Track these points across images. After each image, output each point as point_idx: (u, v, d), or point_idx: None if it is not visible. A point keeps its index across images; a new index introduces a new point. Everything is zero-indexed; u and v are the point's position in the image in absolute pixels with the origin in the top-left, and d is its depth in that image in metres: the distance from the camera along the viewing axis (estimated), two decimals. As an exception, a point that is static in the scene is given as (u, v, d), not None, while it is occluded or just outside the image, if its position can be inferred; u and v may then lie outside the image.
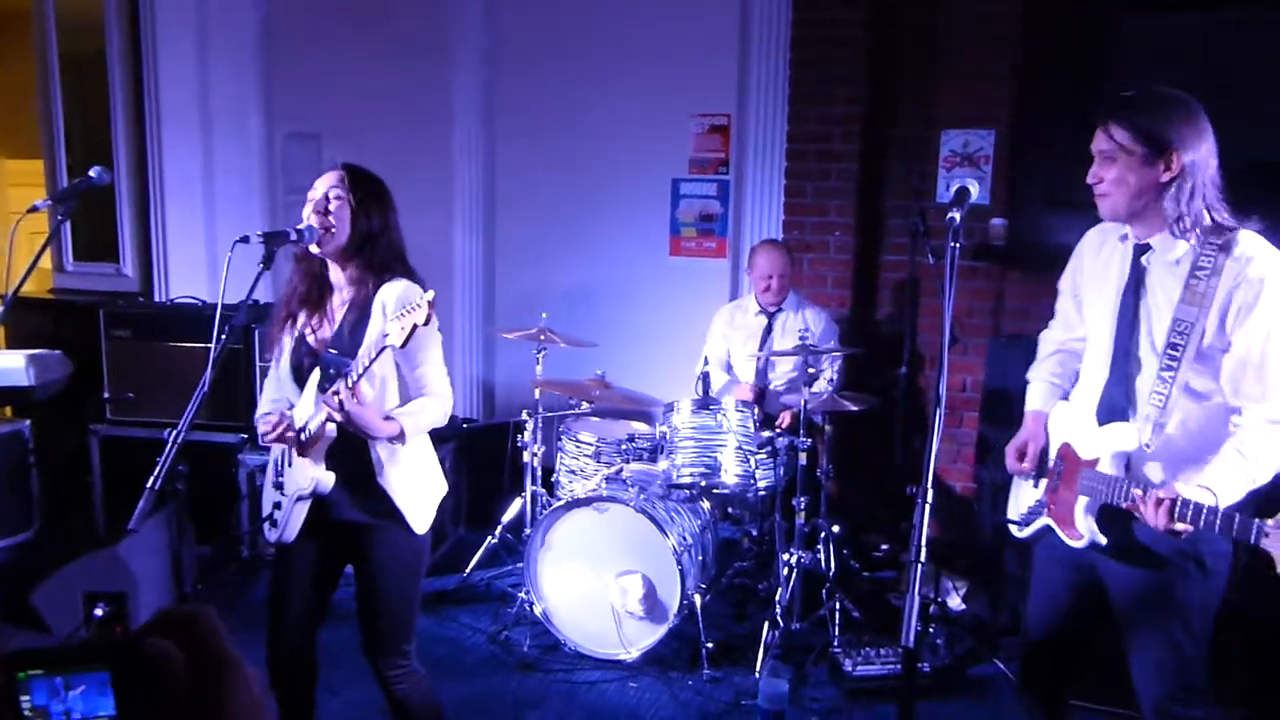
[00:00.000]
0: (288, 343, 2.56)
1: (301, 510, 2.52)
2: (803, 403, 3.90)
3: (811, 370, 3.96)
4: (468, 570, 4.41)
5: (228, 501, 4.48)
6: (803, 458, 3.93)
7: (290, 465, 2.53)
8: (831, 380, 4.39)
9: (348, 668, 3.44)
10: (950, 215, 1.92)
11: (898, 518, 4.45)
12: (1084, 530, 2.26)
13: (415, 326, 2.21)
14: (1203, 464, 2.11)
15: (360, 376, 2.31)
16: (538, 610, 3.82)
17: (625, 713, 3.45)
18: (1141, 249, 2.23)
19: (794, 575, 3.92)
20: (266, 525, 2.59)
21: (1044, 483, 2.44)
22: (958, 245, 1.92)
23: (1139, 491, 2.06)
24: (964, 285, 4.72)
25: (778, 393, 4.49)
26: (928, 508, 1.75)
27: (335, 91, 5.55)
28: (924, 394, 4.86)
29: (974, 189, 2.05)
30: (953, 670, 3.75)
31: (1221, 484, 2.03)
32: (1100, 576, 2.35)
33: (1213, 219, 2.12)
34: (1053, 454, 2.41)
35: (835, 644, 3.75)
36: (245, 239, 2.27)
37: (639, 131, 5.23)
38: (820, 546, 4.15)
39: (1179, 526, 1.98)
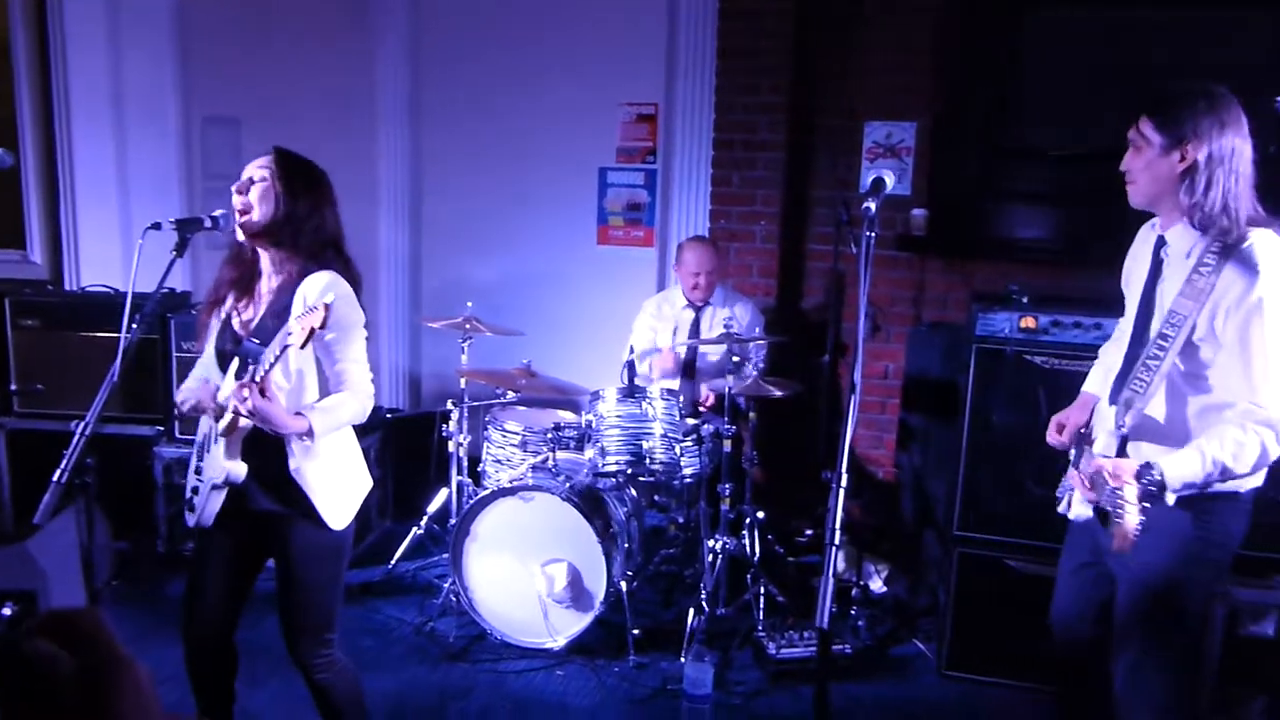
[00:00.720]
0: (215, 326, 2.51)
1: (218, 498, 2.48)
2: (728, 389, 3.94)
3: (737, 359, 4.00)
4: (393, 562, 4.37)
5: (144, 495, 4.37)
6: (728, 445, 3.97)
7: (208, 452, 2.48)
8: (757, 367, 4.44)
9: (273, 661, 3.40)
10: (866, 205, 1.95)
11: (822, 503, 4.52)
12: (1075, 504, 2.44)
13: (313, 330, 2.16)
14: (1169, 451, 2.18)
15: (266, 373, 2.27)
16: (464, 600, 3.81)
17: (552, 701, 3.46)
18: (1161, 241, 2.32)
19: (719, 561, 3.96)
20: (186, 509, 2.55)
21: (1075, 459, 2.52)
22: (873, 234, 1.95)
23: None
24: (886, 275, 4.81)
25: (704, 371, 4.54)
26: (843, 492, 1.77)
27: (255, 75, 5.42)
28: (844, 380, 4.94)
29: (890, 179, 2.08)
30: (874, 651, 3.83)
31: (1175, 459, 2.10)
32: (1104, 547, 2.40)
33: (1232, 214, 2.15)
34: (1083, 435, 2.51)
35: (759, 628, 3.80)
36: (157, 225, 2.22)
37: (566, 120, 5.21)
38: (745, 532, 4.20)
39: (1091, 496, 2.10)
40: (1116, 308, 3.50)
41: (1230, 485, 2.19)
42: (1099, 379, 2.65)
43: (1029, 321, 3.43)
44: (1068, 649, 2.65)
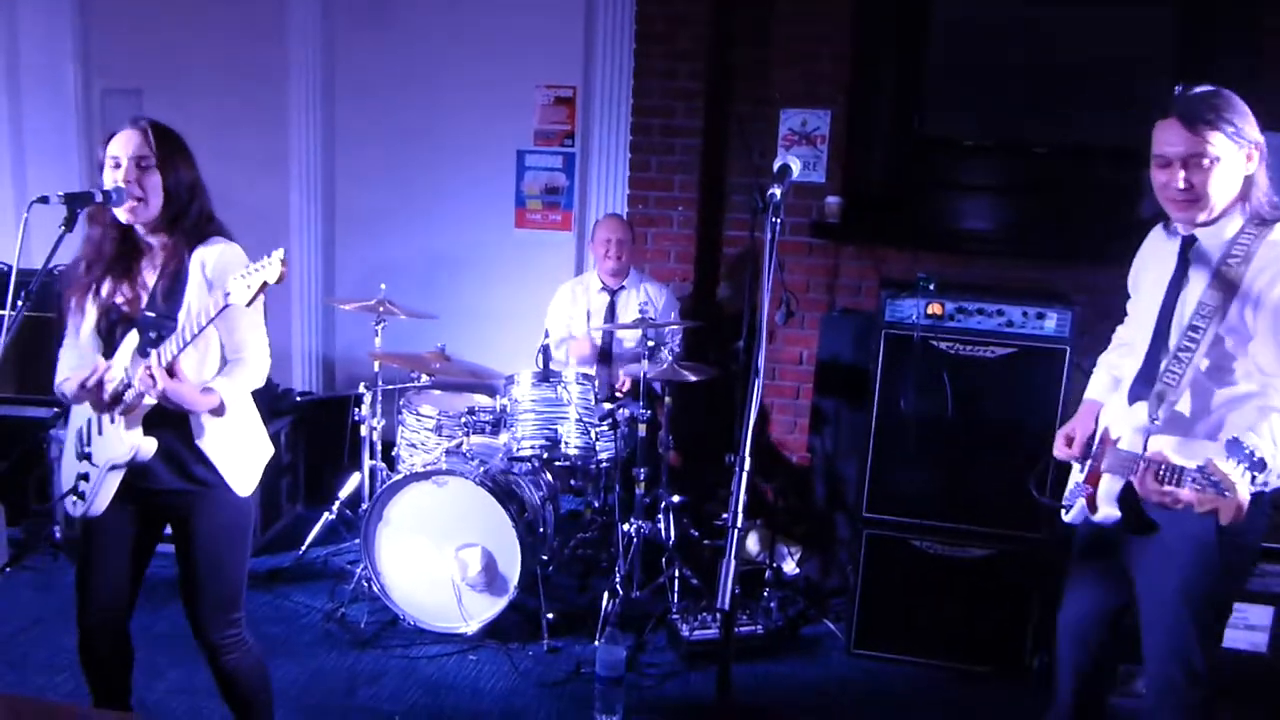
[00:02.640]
0: (91, 310, 2.41)
1: (114, 480, 2.40)
2: (643, 374, 3.96)
3: (652, 343, 4.01)
4: (303, 548, 4.29)
5: (38, 479, 4.21)
6: (643, 429, 3.98)
7: (100, 433, 2.40)
8: (673, 352, 4.46)
9: (175, 651, 3.33)
10: (771, 191, 1.96)
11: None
12: (1102, 507, 2.39)
13: (265, 284, 2.12)
14: (1201, 441, 2.21)
15: (185, 347, 2.21)
16: (375, 586, 3.76)
17: (464, 685, 3.44)
18: (1189, 240, 2.30)
19: (634, 545, 3.98)
20: (70, 500, 2.45)
21: (1087, 465, 2.51)
22: (779, 220, 1.96)
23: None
24: (800, 261, 4.87)
25: (620, 357, 4.55)
26: (746, 475, 1.78)
27: (158, 45, 5.25)
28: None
29: (796, 166, 2.10)
30: (785, 631, 3.89)
31: (1218, 451, 2.07)
32: (1124, 553, 2.45)
33: (1271, 204, 2.20)
34: (1097, 439, 2.49)
35: (674, 611, 3.83)
36: (44, 199, 2.13)
37: (484, 101, 5.15)
38: (661, 516, 4.23)
39: (1168, 489, 2.05)
40: (1021, 295, 3.62)
41: (1262, 481, 2.14)
42: (1103, 386, 2.64)
43: (935, 308, 3.51)
44: (1074, 653, 2.65)
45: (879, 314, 3.59)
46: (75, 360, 2.48)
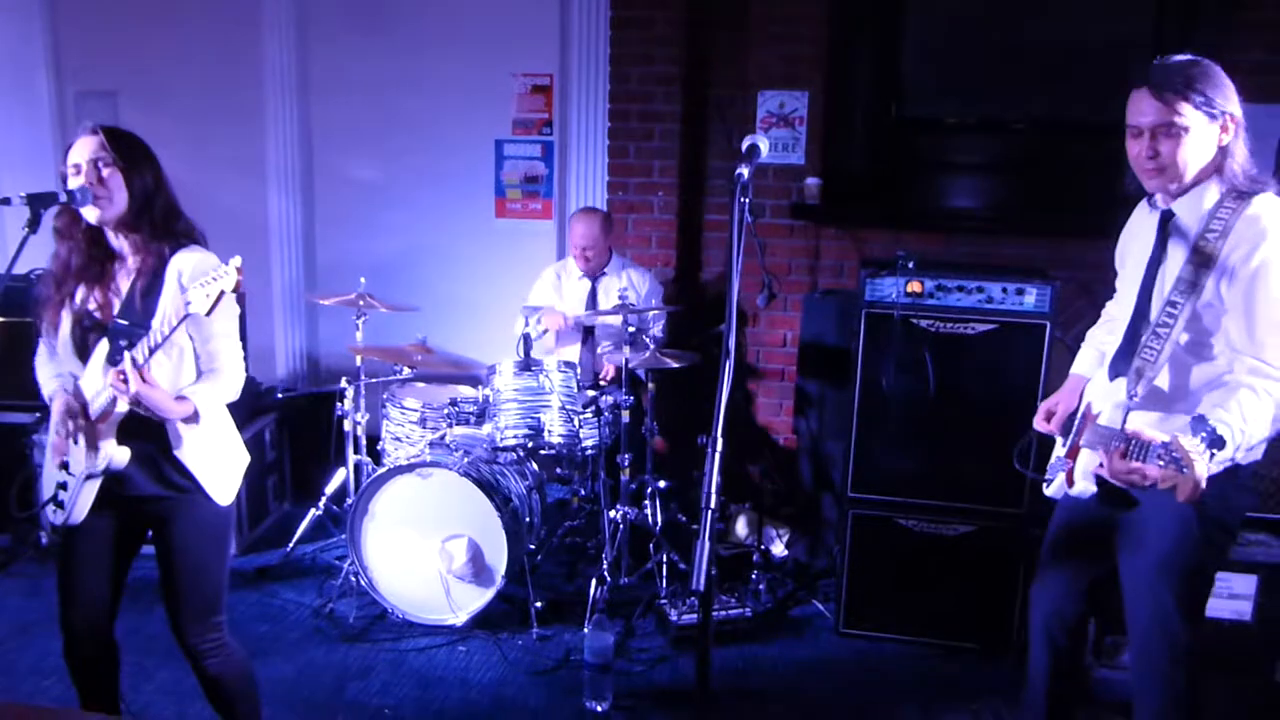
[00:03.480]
0: (66, 317, 2.39)
1: (91, 489, 2.39)
2: (624, 360, 3.95)
3: (633, 329, 4.01)
4: (291, 545, 4.29)
5: (22, 484, 4.18)
6: (627, 416, 3.98)
7: (76, 443, 2.39)
8: (656, 338, 4.46)
9: (162, 652, 3.32)
10: (738, 171, 1.94)
11: (723, 470, 4.57)
12: (1079, 481, 2.40)
13: (222, 293, 2.12)
14: (1178, 416, 2.20)
15: (152, 354, 2.21)
16: (363, 581, 3.75)
17: (454, 676, 3.44)
18: (1168, 215, 2.29)
19: (621, 531, 3.98)
20: (50, 509, 2.44)
21: (1069, 440, 2.51)
22: (747, 200, 1.94)
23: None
24: (782, 243, 4.87)
25: (603, 340, 4.55)
26: (719, 456, 1.78)
27: (132, 46, 5.22)
28: (744, 350, 5.00)
29: (764, 145, 2.08)
30: (774, 613, 3.91)
31: (1184, 427, 2.07)
32: (1105, 526, 2.45)
33: (1251, 178, 2.19)
34: (1080, 414, 2.49)
35: (662, 596, 3.84)
36: (6, 201, 2.10)
37: (461, 92, 5.13)
38: (647, 502, 4.23)
39: (1134, 465, 2.05)
40: (1000, 272, 3.62)
41: (1227, 458, 2.15)
42: (1089, 361, 2.65)
43: (915, 286, 3.51)
44: (1048, 625, 2.66)
45: (859, 294, 3.58)
46: (54, 369, 2.49)
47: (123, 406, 2.29)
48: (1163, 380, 2.28)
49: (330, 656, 3.54)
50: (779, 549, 4.38)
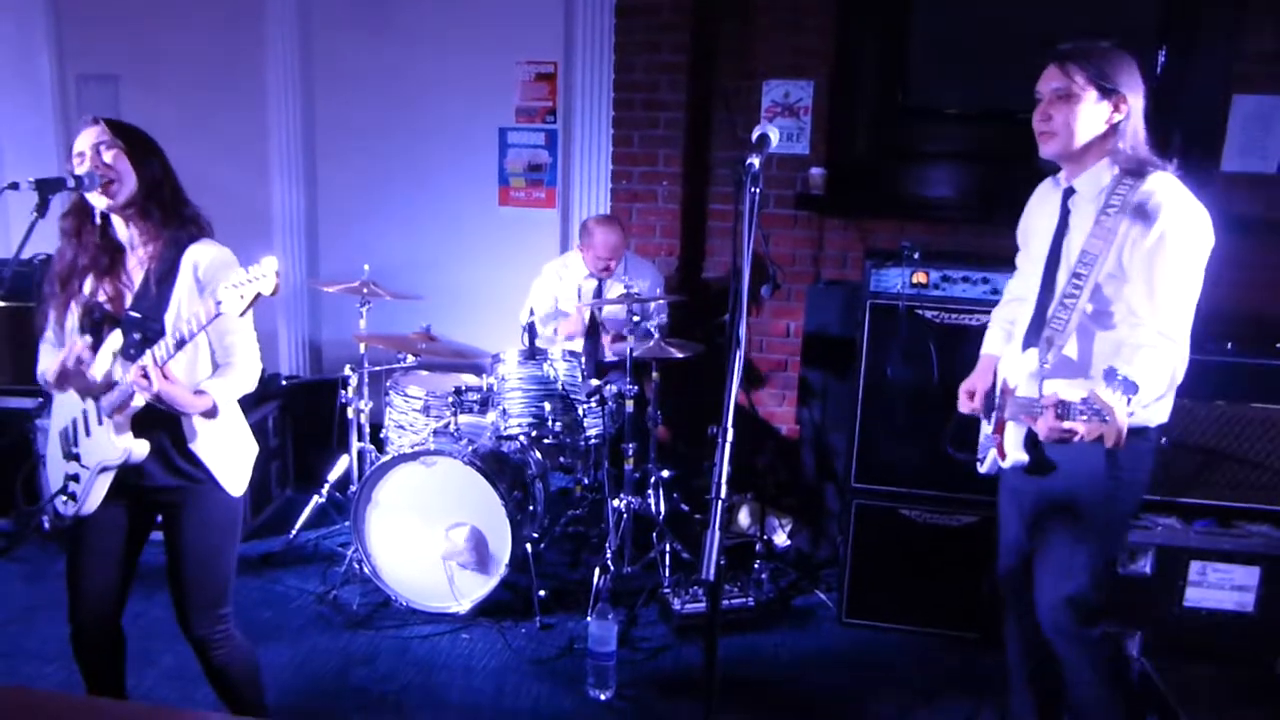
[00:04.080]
0: (74, 310, 2.38)
1: (105, 481, 2.39)
2: (629, 350, 3.95)
3: (637, 318, 4.01)
4: (294, 531, 4.29)
5: (25, 470, 4.19)
6: (630, 405, 3.98)
7: (89, 435, 2.39)
8: (659, 327, 4.46)
9: (167, 636, 3.32)
10: (749, 161, 1.94)
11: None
12: (1011, 453, 2.48)
13: (259, 295, 2.11)
14: (1088, 380, 2.31)
15: (174, 352, 2.20)
16: (367, 568, 3.76)
17: (457, 663, 3.45)
18: (1068, 192, 2.41)
19: (624, 520, 3.99)
20: (60, 500, 2.43)
21: (993, 417, 2.60)
22: (757, 191, 1.95)
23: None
24: (786, 234, 4.86)
25: (608, 330, 4.55)
26: (729, 447, 1.78)
27: (135, 30, 5.20)
28: (748, 340, 5.00)
29: (775, 135, 2.08)
30: (776, 603, 3.92)
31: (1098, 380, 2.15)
32: (1030, 494, 2.56)
33: (1143, 158, 2.30)
34: (998, 390, 2.57)
35: (665, 585, 3.85)
36: (14, 185, 2.10)
37: (465, 79, 5.11)
38: (651, 491, 4.24)
39: (1065, 425, 2.11)
40: (1006, 263, 3.61)
41: (1139, 420, 2.29)
42: (998, 339, 2.75)
43: (920, 277, 3.51)
44: (1017, 605, 2.72)
45: (864, 284, 3.58)
46: (56, 358, 2.47)
47: (140, 401, 2.29)
48: (1071, 348, 2.40)
49: (334, 643, 3.56)
50: (781, 539, 4.38)
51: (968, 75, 4.76)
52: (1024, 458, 2.47)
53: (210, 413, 2.36)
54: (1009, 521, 2.71)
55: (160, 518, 2.51)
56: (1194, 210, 2.27)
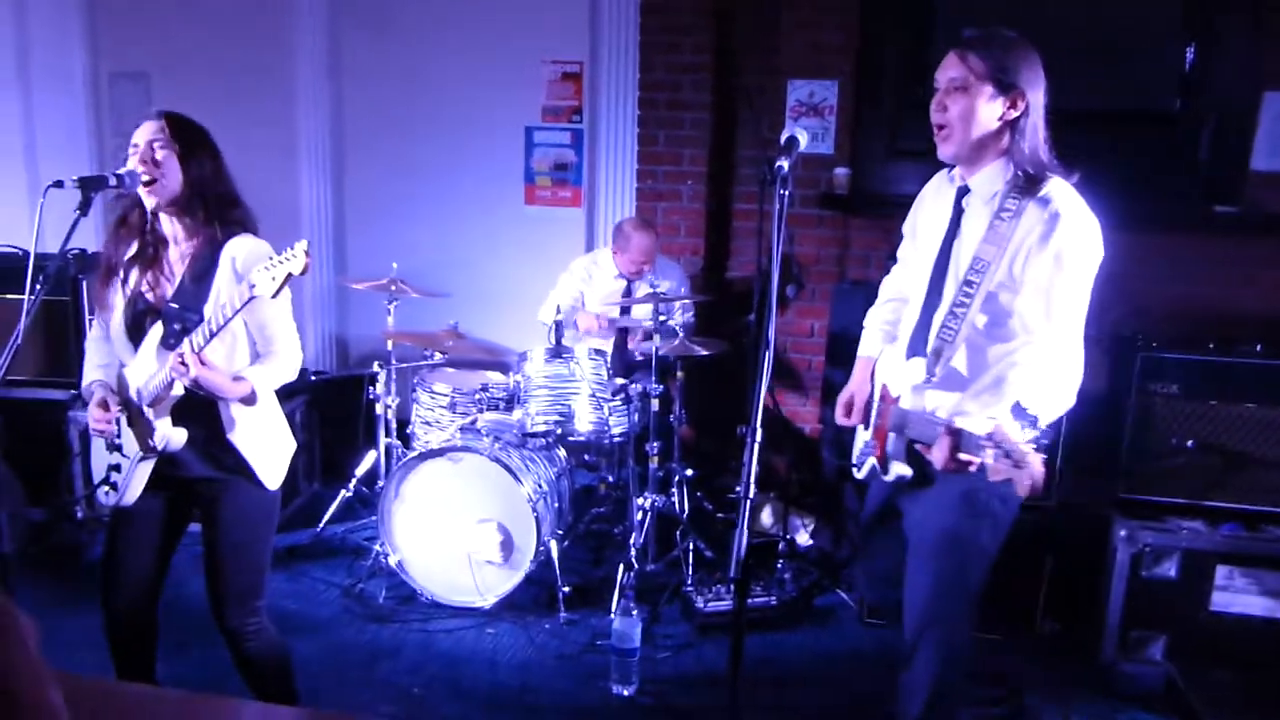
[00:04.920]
0: (119, 301, 2.43)
1: (145, 470, 2.44)
2: (654, 349, 3.97)
3: (663, 317, 4.03)
4: (321, 525, 4.34)
5: (58, 461, 4.26)
6: (655, 404, 4.00)
7: (129, 425, 2.44)
8: (683, 325, 4.47)
9: (197, 627, 3.37)
10: (778, 164, 1.96)
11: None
12: (894, 465, 2.37)
13: (290, 275, 2.15)
14: (980, 397, 2.23)
15: (210, 340, 2.24)
16: (393, 562, 3.80)
17: (481, 657, 3.48)
18: (963, 191, 2.30)
19: (648, 518, 4.01)
20: (103, 490, 2.49)
21: (865, 422, 2.55)
22: (787, 193, 1.97)
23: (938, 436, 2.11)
24: (810, 233, 4.87)
25: (634, 332, 4.57)
26: (758, 447, 1.80)
27: (166, 28, 5.27)
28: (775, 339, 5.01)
29: (804, 137, 2.10)
30: (798, 602, 3.92)
31: (1004, 415, 2.07)
32: (901, 508, 2.48)
33: (1040, 162, 2.19)
34: (876, 396, 2.50)
35: (688, 583, 3.87)
36: (59, 183, 2.15)
37: (491, 79, 5.14)
38: (674, 490, 4.26)
39: (964, 457, 2.05)
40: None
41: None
42: (876, 341, 2.63)
43: (946, 278, 3.49)
44: (884, 603, 2.68)
45: (889, 285, 3.57)
46: (101, 357, 2.53)
47: (179, 389, 2.33)
48: (959, 360, 2.29)
49: (360, 636, 3.60)
50: (804, 538, 4.39)
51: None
52: (907, 470, 2.36)
53: (248, 399, 2.39)
54: (889, 528, 2.56)
55: (198, 512, 2.56)
56: (1090, 224, 2.17)
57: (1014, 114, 2.19)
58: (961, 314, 2.22)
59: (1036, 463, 1.91)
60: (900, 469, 2.37)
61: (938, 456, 2.09)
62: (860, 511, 2.79)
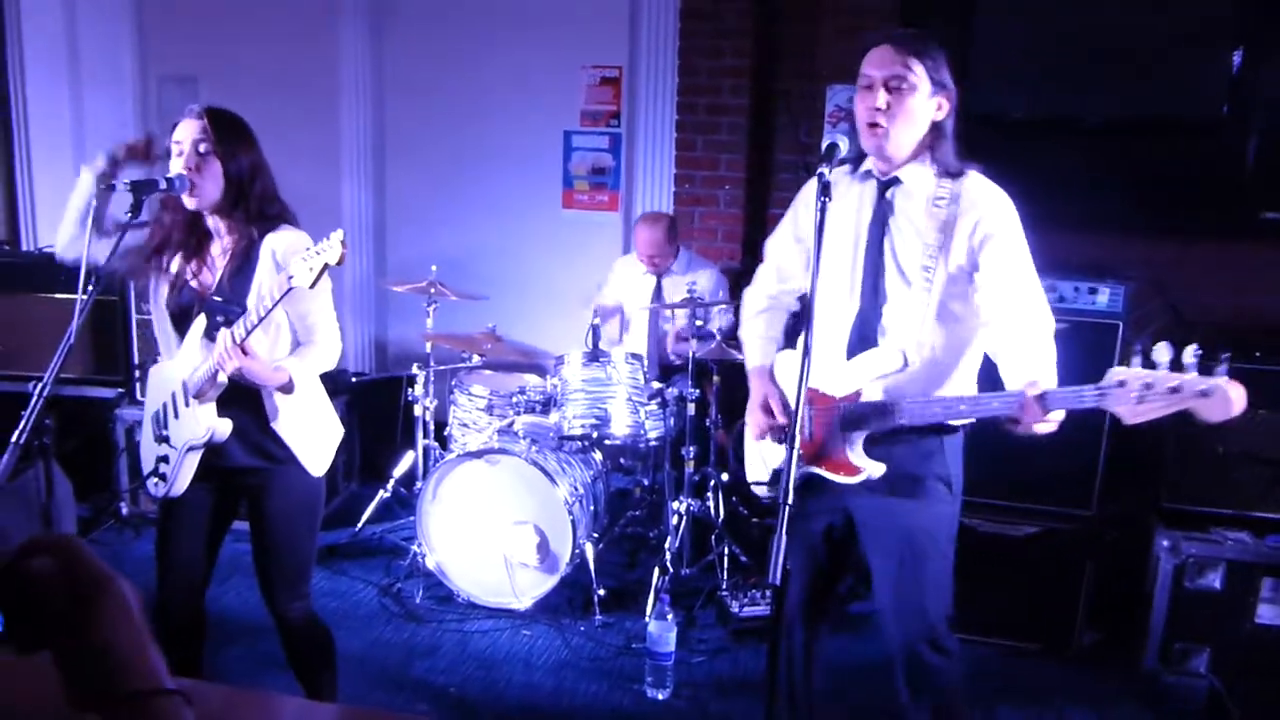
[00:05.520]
0: (163, 287, 2.48)
1: (193, 461, 2.49)
2: (691, 354, 3.98)
3: (700, 323, 4.03)
4: (359, 525, 4.39)
5: (105, 457, 4.35)
6: (691, 408, 4.01)
7: (176, 417, 2.48)
8: (721, 330, 4.47)
9: (240, 621, 3.44)
10: (819, 171, 1.97)
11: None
12: (861, 465, 2.27)
13: (326, 266, 2.19)
14: (953, 380, 2.27)
15: (255, 327, 2.28)
16: (430, 563, 3.84)
17: (517, 659, 3.51)
18: (886, 184, 2.28)
19: (683, 522, 4.01)
20: (152, 481, 2.54)
21: (778, 435, 2.45)
22: (827, 200, 1.96)
23: (1024, 394, 2.04)
24: (848, 238, 4.83)
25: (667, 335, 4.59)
26: (796, 453, 1.80)
27: (214, 33, 5.36)
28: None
29: (844, 144, 2.09)
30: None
31: (1042, 374, 2.10)
32: (851, 512, 2.40)
33: (957, 160, 2.25)
34: (791, 402, 2.31)
35: (723, 587, 3.87)
36: (112, 187, 2.19)
37: (531, 83, 5.18)
38: (709, 494, 4.25)
39: (1052, 417, 2.02)
40: (1071, 269, 3.57)
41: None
42: (766, 352, 2.57)
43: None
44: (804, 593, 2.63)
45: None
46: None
47: (223, 378, 2.37)
48: (935, 344, 2.28)
49: (397, 635, 3.64)
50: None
51: (1033, 78, 4.68)
52: (880, 469, 2.28)
53: (286, 387, 2.43)
54: (808, 543, 2.51)
55: (245, 502, 2.61)
56: (1012, 206, 2.25)
57: (941, 115, 2.24)
58: (923, 301, 2.23)
59: (1219, 380, 1.82)
60: (871, 466, 2.28)
61: (1029, 417, 2.03)
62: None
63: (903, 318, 2.25)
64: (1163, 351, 1.83)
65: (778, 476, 2.49)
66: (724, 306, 4.54)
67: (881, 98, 2.19)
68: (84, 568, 0.86)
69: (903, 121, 2.20)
